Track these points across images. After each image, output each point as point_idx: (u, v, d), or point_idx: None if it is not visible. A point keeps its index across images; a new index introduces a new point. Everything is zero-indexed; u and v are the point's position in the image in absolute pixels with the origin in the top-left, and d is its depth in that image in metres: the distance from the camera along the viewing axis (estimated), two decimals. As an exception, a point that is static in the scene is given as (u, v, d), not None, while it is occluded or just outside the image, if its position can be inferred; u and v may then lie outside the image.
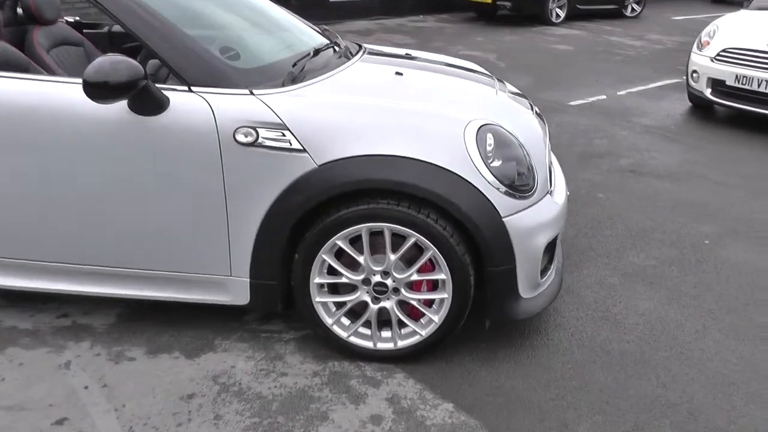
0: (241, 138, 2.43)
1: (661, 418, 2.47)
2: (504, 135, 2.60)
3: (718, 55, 6.54)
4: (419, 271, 2.56)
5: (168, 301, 2.77)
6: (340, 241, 2.50)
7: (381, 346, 2.67)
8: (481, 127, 2.55)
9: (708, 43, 6.75)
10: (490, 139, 2.54)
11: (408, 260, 2.57)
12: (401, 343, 2.66)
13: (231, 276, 2.64)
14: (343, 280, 2.59)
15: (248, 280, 2.63)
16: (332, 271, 2.61)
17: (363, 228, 2.47)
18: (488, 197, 2.46)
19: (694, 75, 6.81)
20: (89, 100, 2.33)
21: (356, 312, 2.67)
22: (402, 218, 2.44)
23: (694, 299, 3.31)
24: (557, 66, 9.34)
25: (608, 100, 7.50)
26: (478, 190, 2.45)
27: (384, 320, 2.67)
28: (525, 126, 2.84)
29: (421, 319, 2.66)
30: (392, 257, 2.52)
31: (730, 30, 6.72)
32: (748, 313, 3.19)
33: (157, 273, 2.68)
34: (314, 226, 2.50)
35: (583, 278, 3.47)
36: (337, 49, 3.21)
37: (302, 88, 2.59)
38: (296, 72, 2.69)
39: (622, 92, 8.04)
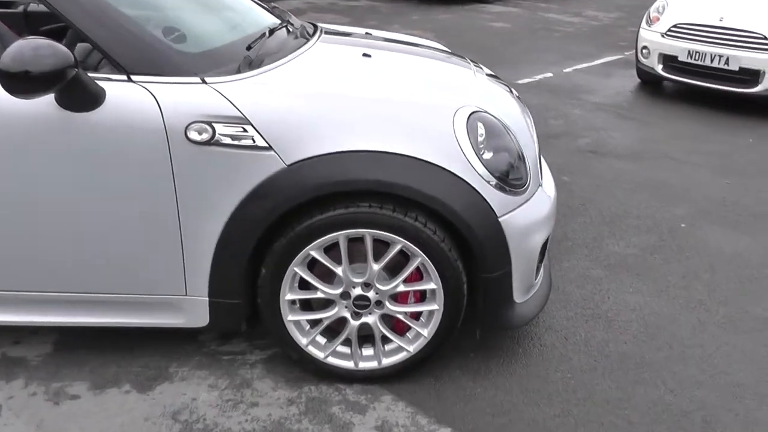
0: (194, 136, 2.06)
1: (677, 430, 2.25)
2: (494, 123, 2.31)
3: (669, 30, 6.43)
4: (406, 281, 2.25)
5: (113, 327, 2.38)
6: (314, 251, 2.17)
7: (363, 365, 2.36)
8: (471, 114, 2.25)
9: (658, 19, 6.64)
10: (480, 129, 2.25)
11: (392, 269, 2.26)
12: (386, 361, 2.35)
13: (186, 296, 2.27)
14: (319, 294, 2.26)
15: (207, 299, 2.27)
16: (305, 285, 2.28)
17: (340, 236, 2.14)
18: (483, 195, 2.17)
19: (644, 51, 6.69)
20: (6, 94, 1.91)
21: (333, 329, 2.35)
22: (386, 223, 2.12)
23: (683, 290, 3.12)
24: (498, 44, 9.12)
25: (555, 78, 7.33)
26: (472, 187, 2.16)
27: (364, 335, 2.36)
28: (510, 112, 2.55)
29: (408, 333, 2.36)
30: (375, 267, 2.20)
31: (680, 5, 6.61)
32: (741, 305, 3.02)
33: (99, 296, 2.29)
34: (284, 235, 2.16)
35: (565, 272, 3.24)
36: (291, 29, 2.84)
37: (262, 75, 2.23)
38: (252, 56, 2.32)
39: (568, 69, 7.89)
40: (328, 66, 2.53)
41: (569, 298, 3.02)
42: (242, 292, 2.25)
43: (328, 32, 2.98)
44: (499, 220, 2.20)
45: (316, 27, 3.01)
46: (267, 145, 2.07)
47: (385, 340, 2.35)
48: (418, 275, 2.26)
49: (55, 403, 2.29)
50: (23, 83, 1.88)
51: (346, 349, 2.36)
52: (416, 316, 2.34)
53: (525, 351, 2.63)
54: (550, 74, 7.52)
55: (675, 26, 6.40)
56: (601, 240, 3.59)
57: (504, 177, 2.23)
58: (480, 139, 2.23)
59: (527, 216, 2.29)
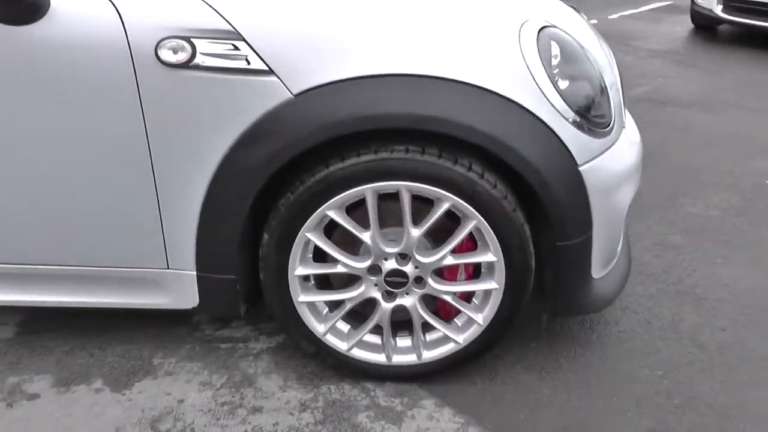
0: (167, 56, 1.51)
1: (815, 449, 1.70)
2: (570, 43, 1.72)
3: (730, -34, 5.72)
4: (454, 251, 1.70)
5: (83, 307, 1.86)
6: (332, 211, 1.62)
7: (398, 359, 1.83)
8: (541, 30, 1.66)
9: (716, -45, 5.92)
10: (554, 48, 1.66)
11: (436, 236, 1.71)
12: (428, 355, 1.82)
13: (168, 269, 1.75)
14: (339, 269, 1.71)
15: (194, 273, 1.74)
16: (321, 256, 1.74)
17: (368, 190, 1.59)
18: (560, 136, 1.60)
19: (701, -9, 5.98)
20: None
21: (359, 314, 1.82)
22: (429, 173, 1.57)
23: (785, 260, 2.54)
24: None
25: (601, 24, 6.65)
26: (546, 125, 1.58)
27: (399, 321, 1.82)
28: (585, 33, 1.95)
29: (456, 320, 1.82)
30: (414, 232, 1.65)
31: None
32: None
33: (62, 269, 1.78)
34: (291, 190, 1.61)
35: (639, 238, 2.66)
36: None
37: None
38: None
39: (614, 16, 7.20)
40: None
41: (647, 269, 2.46)
42: (238, 264, 1.72)
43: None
44: (580, 170, 1.63)
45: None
46: (266, 68, 1.51)
47: (427, 327, 1.81)
48: (470, 244, 1.71)
49: (9, 405, 1.79)
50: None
51: (375, 339, 1.83)
52: (467, 297, 1.80)
53: (600, 339, 2.08)
54: (594, 21, 6.82)
55: (737, -38, 5.69)
56: (675, 200, 3.01)
57: (584, 113, 1.66)
58: (554, 61, 1.64)
59: (613, 165, 1.72)
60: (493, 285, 1.71)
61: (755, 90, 4.63)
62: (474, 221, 1.62)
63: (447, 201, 1.60)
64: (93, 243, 1.73)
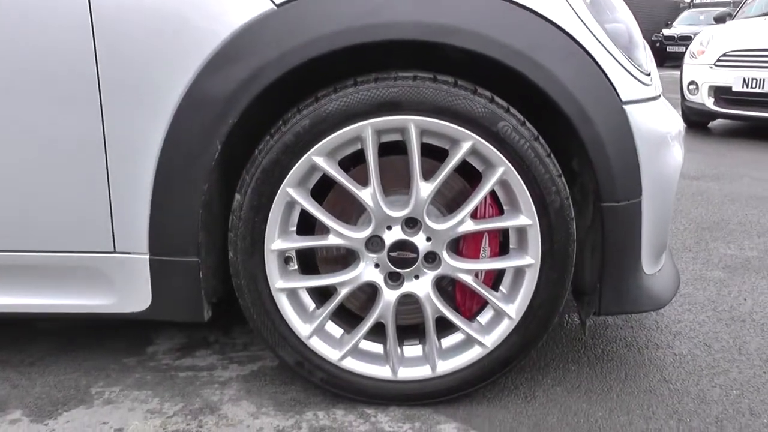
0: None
1: None
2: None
3: (719, 60, 5.71)
4: (475, 216, 1.35)
5: (-7, 313, 1.46)
6: (320, 158, 1.28)
7: (406, 373, 1.41)
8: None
9: (703, 52, 5.94)
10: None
11: (449, 200, 1.37)
12: (445, 366, 1.41)
13: (115, 252, 1.37)
14: (331, 240, 1.34)
15: (147, 256, 1.36)
16: (307, 226, 1.38)
17: (366, 127, 1.26)
18: (601, 65, 1.30)
19: (691, 87, 5.95)
20: None
21: (355, 316, 1.43)
22: (443, 105, 1.25)
23: None
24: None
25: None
26: (585, 50, 1.29)
27: (405, 326, 1.44)
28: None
29: (479, 317, 1.42)
30: (425, 188, 1.30)
31: (726, 34, 5.95)
32: None
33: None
34: (272, 132, 1.28)
35: (675, 275, 2.30)
36: None
37: None
38: None
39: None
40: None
41: (692, 300, 2.08)
42: (203, 241, 1.35)
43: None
44: (624, 108, 1.32)
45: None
46: (242, -29, 1.22)
47: (443, 332, 1.41)
48: (496, 207, 1.36)
49: None
50: None
51: (376, 348, 1.43)
52: (493, 283, 1.42)
53: (653, 362, 1.67)
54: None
55: (725, 55, 5.69)
56: (705, 244, 2.67)
57: (626, 53, 1.37)
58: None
59: (659, 117, 1.42)
60: (527, 260, 1.34)
61: (761, 166, 4.43)
62: (501, 169, 1.28)
63: (466, 141, 1.27)
64: (9, 216, 1.36)
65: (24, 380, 1.56)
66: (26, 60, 1.25)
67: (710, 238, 2.76)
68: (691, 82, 5.96)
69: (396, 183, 1.38)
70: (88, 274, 1.39)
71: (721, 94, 5.73)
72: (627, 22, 1.46)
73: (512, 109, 1.28)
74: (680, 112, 6.33)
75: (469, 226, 1.33)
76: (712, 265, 2.41)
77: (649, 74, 1.43)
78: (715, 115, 5.92)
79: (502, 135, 1.26)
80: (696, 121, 6.26)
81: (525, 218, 1.31)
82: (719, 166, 4.45)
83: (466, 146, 1.27)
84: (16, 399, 1.49)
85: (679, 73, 6.25)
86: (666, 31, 17.69)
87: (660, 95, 1.51)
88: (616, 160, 1.31)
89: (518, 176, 1.28)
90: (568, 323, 1.87)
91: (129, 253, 1.36)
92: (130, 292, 1.39)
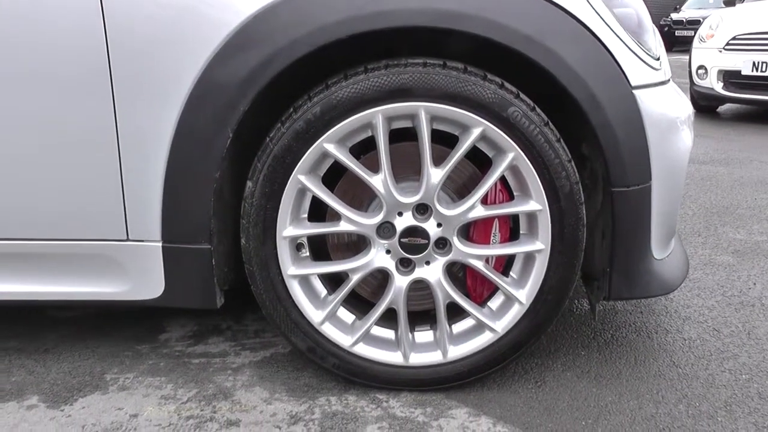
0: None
1: None
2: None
3: (728, 44, 5.67)
4: (486, 201, 1.35)
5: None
6: (332, 145, 1.28)
7: (418, 358, 1.42)
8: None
9: (712, 36, 5.90)
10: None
11: (460, 186, 1.37)
12: (456, 351, 1.42)
13: (128, 240, 1.38)
14: (342, 227, 1.35)
15: (159, 244, 1.37)
16: (318, 213, 1.39)
17: (377, 114, 1.26)
18: (611, 51, 1.30)
19: (700, 71, 5.91)
20: None
21: (366, 302, 1.45)
22: (453, 91, 1.25)
23: None
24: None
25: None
26: (594, 35, 1.29)
27: (415, 312, 1.45)
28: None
29: (489, 303, 1.43)
30: (436, 173, 1.31)
31: (736, 17, 5.90)
32: None
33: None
34: (283, 120, 1.28)
35: (684, 260, 2.29)
36: None
37: None
38: None
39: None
40: None
41: (701, 285, 2.08)
42: (215, 228, 1.36)
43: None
44: (634, 92, 1.32)
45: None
46: (253, -42, 1.22)
47: (454, 317, 1.42)
48: (505, 192, 1.37)
49: None
50: None
51: (388, 334, 1.44)
52: (504, 269, 1.43)
53: (663, 347, 1.68)
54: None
55: (734, 38, 5.65)
56: (714, 228, 2.67)
57: (636, 38, 1.37)
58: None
59: (668, 101, 1.41)
60: (537, 245, 1.34)
61: (771, 150, 4.41)
62: (510, 155, 1.29)
63: (476, 127, 1.27)
64: (25, 205, 1.37)
65: (39, 367, 1.58)
66: (40, 52, 1.26)
67: (719, 222, 2.76)
68: (700, 67, 5.92)
69: (406, 169, 1.38)
70: (102, 262, 1.40)
71: (730, 78, 5.70)
72: (636, 6, 1.45)
73: (522, 95, 1.28)
74: (689, 97, 6.30)
75: (480, 211, 1.33)
76: (722, 250, 2.41)
77: (658, 59, 1.43)
78: (724, 100, 5.89)
79: (512, 120, 1.26)
80: (705, 105, 6.22)
81: (535, 203, 1.31)
82: (728, 150, 4.43)
83: (476, 132, 1.27)
84: (32, 385, 1.51)
85: (687, 57, 6.21)
86: (674, 15, 17.50)
87: (669, 80, 1.51)
88: (626, 145, 1.31)
89: (528, 161, 1.28)
90: (577, 308, 1.88)
91: (142, 240, 1.38)
92: (144, 280, 1.41)
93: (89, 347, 1.67)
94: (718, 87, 5.78)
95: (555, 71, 1.25)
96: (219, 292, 1.42)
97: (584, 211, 1.33)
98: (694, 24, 14.09)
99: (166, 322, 1.81)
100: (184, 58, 1.25)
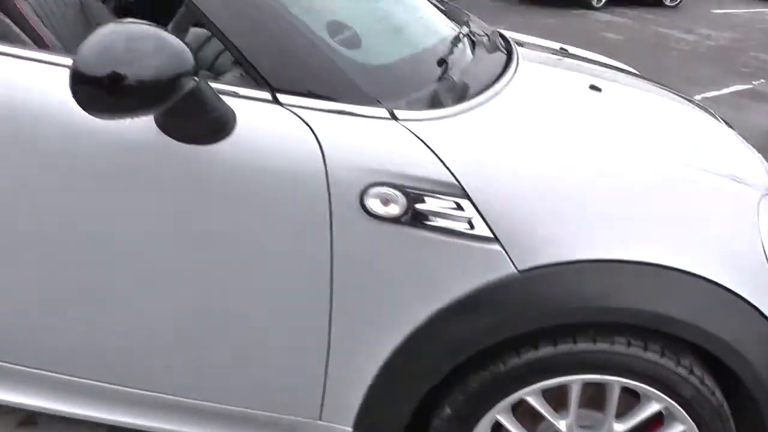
0: (374, 206, 1.31)
1: None
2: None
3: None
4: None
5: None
6: (531, 397, 1.42)
7: None
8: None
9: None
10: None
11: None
12: None
13: (320, 421, 1.54)
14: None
15: (350, 429, 1.54)
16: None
17: (577, 381, 1.39)
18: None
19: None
20: (79, 110, 1.16)
21: None
22: (650, 372, 1.37)
23: None
24: (620, 59, 8.22)
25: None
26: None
27: None
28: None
29: None
30: (618, 428, 1.45)
31: None
32: None
33: (191, 403, 1.58)
34: (486, 368, 1.41)
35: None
36: (476, 36, 2.02)
37: (475, 112, 1.47)
38: (454, 79, 1.56)
39: (697, 97, 6.97)
40: (557, 104, 1.76)
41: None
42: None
43: (519, 43, 2.17)
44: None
45: (501, 35, 2.20)
46: (491, 236, 1.31)
47: None
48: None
49: None
50: (108, 95, 1.13)
51: None
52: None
53: None
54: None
55: None
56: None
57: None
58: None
59: None
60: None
61: None
62: (682, 427, 1.41)
63: (660, 402, 1.39)
64: (241, 378, 1.53)
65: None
66: (281, 264, 1.37)
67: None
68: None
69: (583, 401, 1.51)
70: (286, 430, 1.57)
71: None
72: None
73: (706, 380, 1.39)
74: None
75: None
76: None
77: None
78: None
79: (695, 406, 1.39)
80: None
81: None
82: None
83: (659, 407, 1.40)
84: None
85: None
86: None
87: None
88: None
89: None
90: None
91: (332, 423, 1.54)
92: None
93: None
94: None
95: (745, 378, 1.36)
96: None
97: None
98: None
99: None
100: (410, 306, 1.37)
